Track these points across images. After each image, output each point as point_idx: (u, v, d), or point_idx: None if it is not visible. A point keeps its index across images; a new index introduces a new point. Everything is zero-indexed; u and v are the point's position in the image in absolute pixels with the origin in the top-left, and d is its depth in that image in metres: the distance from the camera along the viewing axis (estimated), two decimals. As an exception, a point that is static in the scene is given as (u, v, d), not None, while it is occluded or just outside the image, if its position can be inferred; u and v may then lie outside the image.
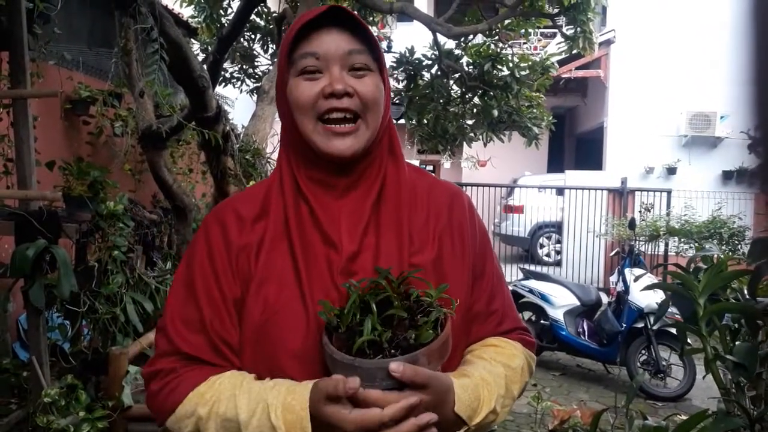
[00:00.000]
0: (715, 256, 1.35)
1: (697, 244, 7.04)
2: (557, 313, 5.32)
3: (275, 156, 4.89)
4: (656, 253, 8.73)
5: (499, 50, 6.76)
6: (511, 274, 8.41)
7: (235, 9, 5.67)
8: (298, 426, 0.81)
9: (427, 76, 7.08)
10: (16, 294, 3.01)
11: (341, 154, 0.93)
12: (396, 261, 0.93)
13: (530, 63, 6.83)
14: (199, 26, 6.83)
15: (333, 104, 0.92)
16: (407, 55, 6.97)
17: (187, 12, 7.00)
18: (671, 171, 10.87)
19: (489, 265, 1.06)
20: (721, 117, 10.42)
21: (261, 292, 0.93)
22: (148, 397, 0.96)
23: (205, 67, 3.72)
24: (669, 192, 9.33)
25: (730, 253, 6.39)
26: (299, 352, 0.89)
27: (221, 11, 6.80)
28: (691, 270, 1.30)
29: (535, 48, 11.12)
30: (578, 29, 6.10)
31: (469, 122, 7.44)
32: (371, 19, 7.22)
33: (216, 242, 0.98)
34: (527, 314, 5.57)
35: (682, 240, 7.41)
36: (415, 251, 0.96)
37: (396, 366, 0.77)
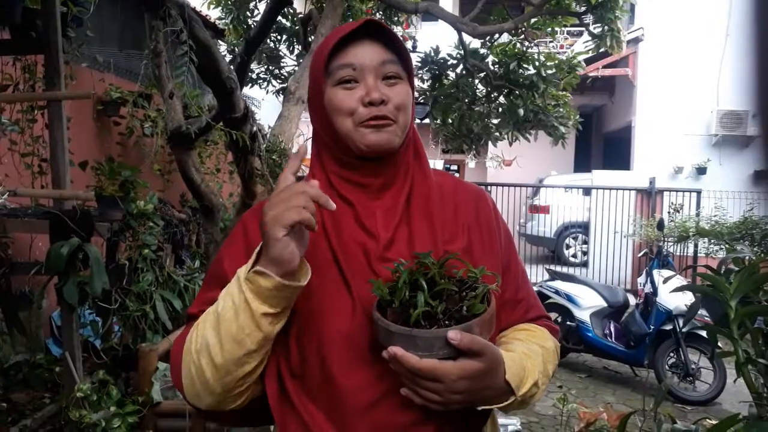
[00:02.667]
0: (747, 258, 1.32)
1: (727, 246, 6.89)
2: (583, 315, 5.27)
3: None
4: (685, 254, 8.58)
5: (525, 49, 6.70)
6: (537, 274, 8.34)
7: (261, 11, 5.73)
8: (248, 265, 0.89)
9: (452, 75, 7.06)
10: (49, 291, 3.09)
11: (380, 146, 0.98)
12: (430, 248, 0.97)
13: (557, 62, 6.75)
14: (226, 28, 6.91)
15: (373, 112, 0.98)
16: (432, 54, 6.96)
17: (214, 14, 7.09)
18: (701, 171, 10.66)
19: (513, 261, 1.13)
20: (753, 115, 10.19)
21: None
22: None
23: (232, 68, 3.76)
24: (699, 192, 9.14)
25: (762, 255, 6.25)
26: (346, 334, 0.93)
27: (248, 13, 6.87)
28: (722, 272, 1.28)
29: (562, 46, 11.03)
30: (606, 27, 6.02)
31: (495, 121, 7.39)
32: (396, 18, 7.22)
33: (254, 237, 1.00)
34: (553, 315, 5.49)
35: (712, 241, 7.26)
36: (446, 240, 1.02)
37: (454, 334, 0.81)
